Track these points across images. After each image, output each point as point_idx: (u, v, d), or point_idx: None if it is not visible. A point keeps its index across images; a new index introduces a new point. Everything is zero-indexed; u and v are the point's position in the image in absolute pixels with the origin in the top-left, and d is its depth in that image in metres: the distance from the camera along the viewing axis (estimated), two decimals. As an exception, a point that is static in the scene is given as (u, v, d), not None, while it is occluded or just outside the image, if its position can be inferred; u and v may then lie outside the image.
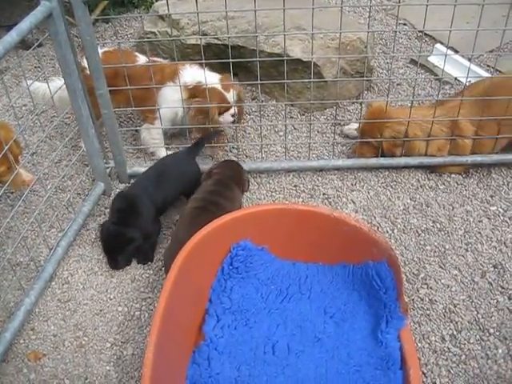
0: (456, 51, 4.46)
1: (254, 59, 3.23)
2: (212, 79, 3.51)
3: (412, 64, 4.61)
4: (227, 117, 3.63)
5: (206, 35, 4.11)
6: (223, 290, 2.78)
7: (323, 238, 2.86)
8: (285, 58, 3.26)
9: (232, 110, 3.62)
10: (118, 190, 3.59)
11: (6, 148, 2.76)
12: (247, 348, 2.61)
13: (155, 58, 3.80)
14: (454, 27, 3.11)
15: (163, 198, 3.23)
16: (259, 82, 3.29)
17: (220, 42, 4.10)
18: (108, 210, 3.36)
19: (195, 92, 3.52)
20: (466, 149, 3.58)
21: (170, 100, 3.54)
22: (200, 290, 2.75)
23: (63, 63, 2.96)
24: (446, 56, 3.44)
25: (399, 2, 3.16)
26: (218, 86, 3.54)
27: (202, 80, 3.42)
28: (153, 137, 3.75)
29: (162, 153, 3.75)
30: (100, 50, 3.56)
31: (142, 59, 3.62)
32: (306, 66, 3.86)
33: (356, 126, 3.88)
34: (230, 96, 3.58)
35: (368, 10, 5.14)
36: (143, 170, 3.54)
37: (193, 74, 3.56)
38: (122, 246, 3.09)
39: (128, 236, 3.07)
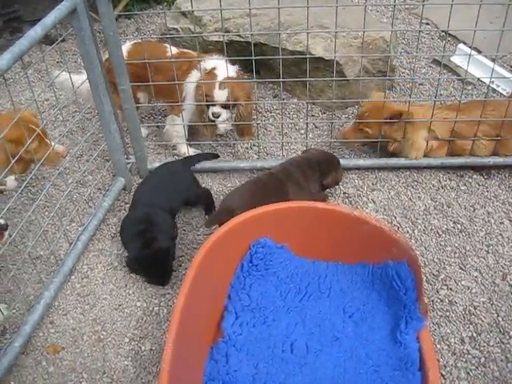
0: (479, 51, 4.42)
1: (277, 57, 3.22)
2: (222, 69, 3.46)
3: (434, 64, 4.57)
4: (210, 111, 3.52)
5: (229, 32, 4.11)
6: (242, 288, 2.78)
7: (343, 237, 2.85)
8: (307, 56, 3.25)
9: (215, 109, 3.51)
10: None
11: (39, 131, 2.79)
12: (265, 346, 2.61)
13: (185, 50, 3.79)
14: (477, 27, 3.08)
15: (168, 205, 3.19)
16: (281, 79, 3.28)
17: (242, 40, 4.10)
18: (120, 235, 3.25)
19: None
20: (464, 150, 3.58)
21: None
22: (219, 286, 2.75)
23: (86, 58, 2.98)
24: (470, 56, 3.40)
25: (423, 1, 3.12)
26: (217, 77, 3.47)
27: (218, 67, 3.41)
28: (176, 129, 3.74)
29: (184, 149, 3.76)
30: (129, 43, 3.60)
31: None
32: (328, 64, 3.85)
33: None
34: (219, 94, 3.46)
35: (391, 8, 5.12)
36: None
37: (214, 62, 3.54)
38: (165, 262, 3.02)
39: (164, 248, 2.99)
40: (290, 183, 3.16)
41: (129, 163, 3.60)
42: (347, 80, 3.91)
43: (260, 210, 2.87)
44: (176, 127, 3.72)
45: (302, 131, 3.90)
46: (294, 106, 4.15)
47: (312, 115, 4.09)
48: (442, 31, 4.89)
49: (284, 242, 2.93)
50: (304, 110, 4.04)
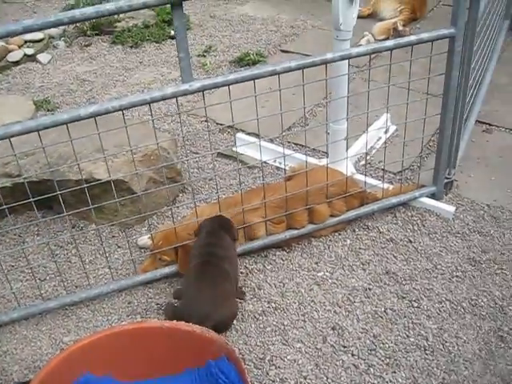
0: (257, 136, 4.70)
1: (58, 192, 3.22)
2: None
3: (220, 157, 4.78)
4: None
5: (11, 176, 4.06)
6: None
7: (162, 351, 2.87)
8: (85, 185, 3.29)
9: None
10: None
11: None
12: None
13: None
14: (248, 114, 3.40)
15: None
16: (66, 213, 3.29)
17: (26, 180, 4.04)
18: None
19: None
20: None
21: None
22: None
23: None
24: (248, 143, 3.64)
25: (177, 113, 3.33)
26: None
27: None
28: None
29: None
30: None
31: None
32: (115, 184, 3.90)
33: (148, 235, 3.94)
34: None
35: (172, 116, 5.35)
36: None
37: None
38: None
39: None
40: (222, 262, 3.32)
41: None
42: (137, 195, 3.96)
43: (75, 346, 2.84)
44: None
45: (107, 254, 3.88)
46: (93, 231, 4.12)
47: (112, 236, 4.08)
48: (220, 125, 5.17)
49: (107, 371, 2.88)
50: (104, 233, 4.06)
